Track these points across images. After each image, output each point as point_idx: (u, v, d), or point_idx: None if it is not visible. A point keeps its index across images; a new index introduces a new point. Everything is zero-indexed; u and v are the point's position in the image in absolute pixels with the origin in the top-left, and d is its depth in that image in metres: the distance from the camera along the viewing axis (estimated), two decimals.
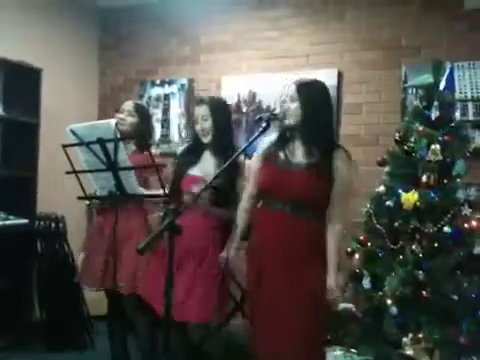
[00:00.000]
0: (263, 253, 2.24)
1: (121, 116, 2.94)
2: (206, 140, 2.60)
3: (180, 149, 2.88)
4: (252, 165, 2.40)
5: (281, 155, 2.28)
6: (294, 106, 2.22)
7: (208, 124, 2.57)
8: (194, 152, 2.66)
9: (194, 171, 2.59)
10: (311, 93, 2.27)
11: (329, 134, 2.33)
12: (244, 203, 2.43)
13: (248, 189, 2.42)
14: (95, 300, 3.86)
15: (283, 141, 2.31)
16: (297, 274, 2.19)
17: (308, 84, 2.29)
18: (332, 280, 2.23)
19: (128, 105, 2.99)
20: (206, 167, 2.58)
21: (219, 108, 2.63)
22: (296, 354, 2.14)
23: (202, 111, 2.59)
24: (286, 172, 2.23)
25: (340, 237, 2.27)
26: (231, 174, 2.46)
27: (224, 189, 2.44)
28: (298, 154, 2.27)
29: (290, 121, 2.24)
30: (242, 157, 2.55)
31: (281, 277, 2.19)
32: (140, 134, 2.92)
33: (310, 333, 2.17)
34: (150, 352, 2.85)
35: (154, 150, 3.01)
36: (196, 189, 2.36)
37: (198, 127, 2.61)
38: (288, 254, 2.20)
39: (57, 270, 3.71)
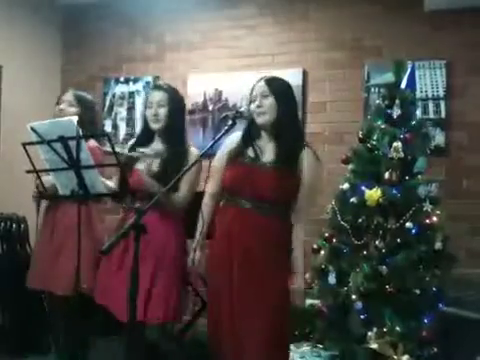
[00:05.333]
0: (231, 251, 2.23)
1: (60, 107, 2.80)
2: (156, 126, 2.52)
3: (130, 143, 2.73)
4: (216, 163, 2.36)
5: (249, 153, 2.27)
6: (269, 101, 2.22)
7: (163, 111, 2.50)
8: (142, 143, 2.57)
9: (139, 164, 2.48)
10: (282, 87, 2.29)
11: (300, 132, 2.35)
12: (207, 201, 2.39)
13: (210, 187, 2.38)
14: None
15: (250, 138, 2.30)
16: (265, 273, 2.19)
17: (276, 79, 2.31)
18: (300, 280, 2.26)
19: (68, 95, 2.86)
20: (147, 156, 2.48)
21: (177, 97, 2.58)
22: (263, 353, 2.14)
23: (159, 97, 2.51)
24: (254, 170, 2.23)
25: (302, 235, 2.29)
26: (176, 162, 2.42)
27: (165, 172, 2.39)
28: (267, 152, 2.26)
29: (266, 117, 2.23)
30: (194, 150, 2.52)
31: (249, 276, 2.18)
32: (82, 126, 2.80)
33: (278, 332, 2.18)
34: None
35: (105, 146, 2.89)
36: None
37: (151, 111, 2.52)
38: (256, 253, 2.20)
39: (18, 272, 3.61)
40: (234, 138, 2.34)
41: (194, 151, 2.53)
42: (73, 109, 2.82)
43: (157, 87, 2.60)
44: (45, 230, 2.85)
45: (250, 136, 2.30)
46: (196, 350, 3.01)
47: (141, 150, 2.45)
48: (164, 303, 2.40)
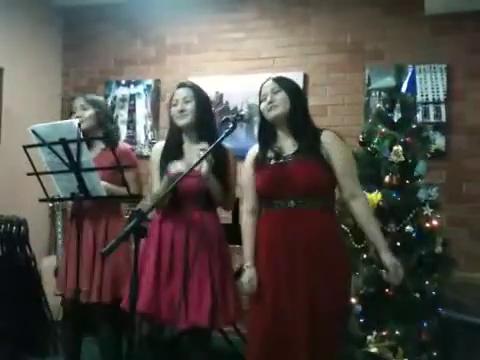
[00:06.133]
0: (284, 256, 2.13)
1: (77, 115, 2.76)
2: (183, 121, 2.42)
3: (157, 146, 2.57)
4: (244, 180, 2.29)
5: (270, 154, 2.21)
6: (280, 95, 2.19)
7: (190, 106, 2.42)
8: (174, 146, 2.47)
9: (178, 166, 2.33)
10: (291, 83, 2.27)
11: (314, 124, 2.27)
12: (247, 220, 2.26)
13: (245, 205, 2.28)
14: (57, 305, 3.78)
15: (266, 140, 2.25)
16: (325, 269, 2.09)
17: (284, 77, 2.29)
18: (388, 258, 2.08)
19: (79, 101, 2.81)
20: (192, 159, 2.32)
21: (202, 93, 2.50)
22: (334, 346, 2.10)
23: (184, 93, 2.44)
24: (281, 168, 2.16)
25: (370, 208, 2.21)
26: (218, 163, 2.35)
27: (218, 169, 2.33)
28: (286, 147, 2.21)
29: (278, 110, 2.18)
30: (230, 148, 2.47)
31: (311, 276, 2.09)
32: (103, 124, 2.77)
33: (342, 326, 2.16)
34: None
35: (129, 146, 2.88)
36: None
37: (177, 108, 2.43)
38: (311, 249, 2.10)
39: (18, 274, 3.61)
40: (254, 148, 2.31)
41: (230, 148, 2.47)
42: (89, 112, 2.78)
43: (181, 85, 2.51)
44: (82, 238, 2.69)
45: (266, 139, 2.26)
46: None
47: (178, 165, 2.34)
48: (232, 305, 2.38)
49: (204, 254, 2.35)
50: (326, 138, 2.18)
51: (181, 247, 2.36)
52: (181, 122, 2.43)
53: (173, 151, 2.44)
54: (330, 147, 2.15)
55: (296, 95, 2.23)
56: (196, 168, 2.17)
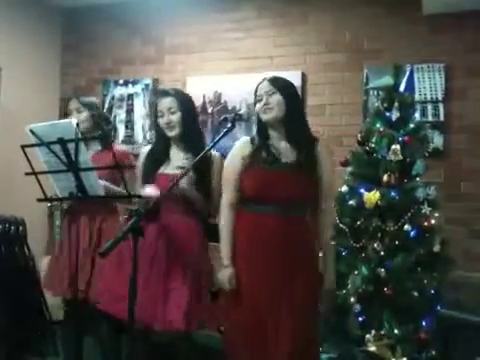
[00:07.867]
0: (263, 259, 2.18)
1: (72, 117, 2.77)
2: (172, 133, 2.47)
3: (144, 149, 2.67)
4: (228, 172, 2.29)
5: (264, 156, 2.21)
6: (276, 98, 2.20)
7: (176, 117, 2.45)
8: (161, 150, 2.52)
9: (166, 169, 2.43)
10: (287, 84, 2.29)
11: (309, 128, 2.32)
12: (227, 213, 2.27)
13: (227, 198, 2.28)
14: (57, 305, 3.77)
15: (263, 140, 2.26)
16: (299, 275, 2.17)
17: (279, 78, 2.30)
18: (331, 281, 2.30)
19: (73, 104, 2.85)
20: (177, 164, 2.43)
21: (186, 100, 2.53)
22: (292, 352, 2.11)
23: (168, 103, 2.46)
24: (276, 174, 2.19)
25: (329, 221, 2.36)
26: (203, 168, 2.38)
27: (199, 180, 2.37)
28: (283, 152, 2.23)
29: (273, 113, 2.20)
30: (217, 155, 2.47)
31: (280, 278, 2.16)
32: (99, 126, 2.80)
33: (306, 332, 2.17)
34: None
35: (125, 147, 2.89)
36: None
37: (164, 120, 2.47)
38: (289, 256, 2.17)
39: (17, 274, 3.61)
40: (244, 143, 2.29)
41: (216, 155, 2.47)
42: (84, 114, 2.81)
43: (164, 93, 2.53)
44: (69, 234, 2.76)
45: (263, 137, 2.27)
46: (206, 351, 3.01)
47: (182, 166, 2.38)
48: (187, 310, 2.33)
49: (163, 258, 2.37)
50: (321, 150, 2.28)
51: (150, 248, 2.37)
52: (170, 134, 2.49)
53: (160, 156, 2.50)
54: (322, 159, 2.28)
55: (292, 97, 2.25)
56: (174, 175, 2.28)
